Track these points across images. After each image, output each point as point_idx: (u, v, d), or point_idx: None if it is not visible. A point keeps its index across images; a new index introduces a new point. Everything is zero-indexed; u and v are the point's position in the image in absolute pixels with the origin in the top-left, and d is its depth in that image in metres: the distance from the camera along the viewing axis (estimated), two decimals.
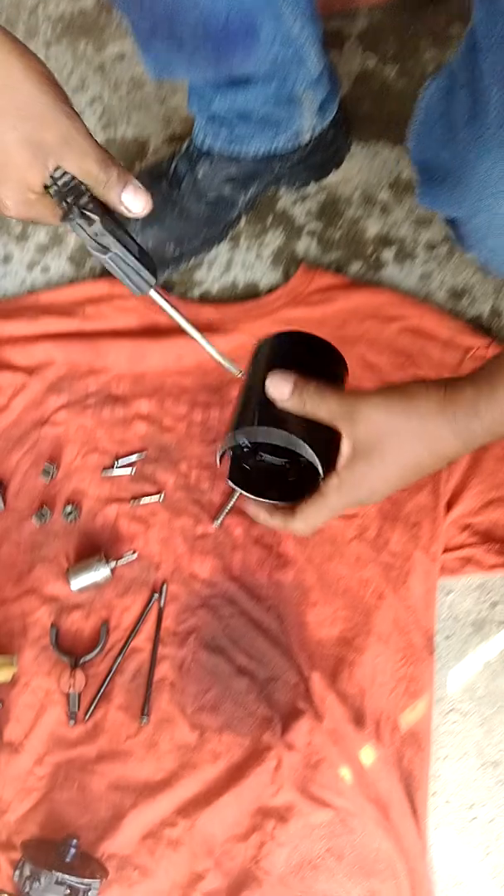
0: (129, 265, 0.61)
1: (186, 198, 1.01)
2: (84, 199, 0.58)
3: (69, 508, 0.93)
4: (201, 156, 1.00)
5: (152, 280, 0.62)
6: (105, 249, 0.59)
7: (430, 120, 0.73)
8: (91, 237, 0.59)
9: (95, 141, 0.57)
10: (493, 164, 0.65)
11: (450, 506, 0.92)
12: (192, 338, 0.66)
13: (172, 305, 0.64)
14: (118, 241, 0.59)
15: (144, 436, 0.97)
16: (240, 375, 0.65)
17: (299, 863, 0.81)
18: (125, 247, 0.60)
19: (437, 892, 0.84)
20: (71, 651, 0.88)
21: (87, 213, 0.58)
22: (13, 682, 0.87)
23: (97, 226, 0.58)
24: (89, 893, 0.76)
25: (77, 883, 0.75)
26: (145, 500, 0.94)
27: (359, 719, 0.85)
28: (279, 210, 1.10)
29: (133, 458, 0.96)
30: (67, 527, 0.93)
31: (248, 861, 0.81)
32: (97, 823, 0.83)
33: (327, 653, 0.87)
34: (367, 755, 0.83)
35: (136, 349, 0.99)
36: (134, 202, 0.59)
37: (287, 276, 1.06)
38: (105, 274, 1.07)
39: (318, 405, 0.59)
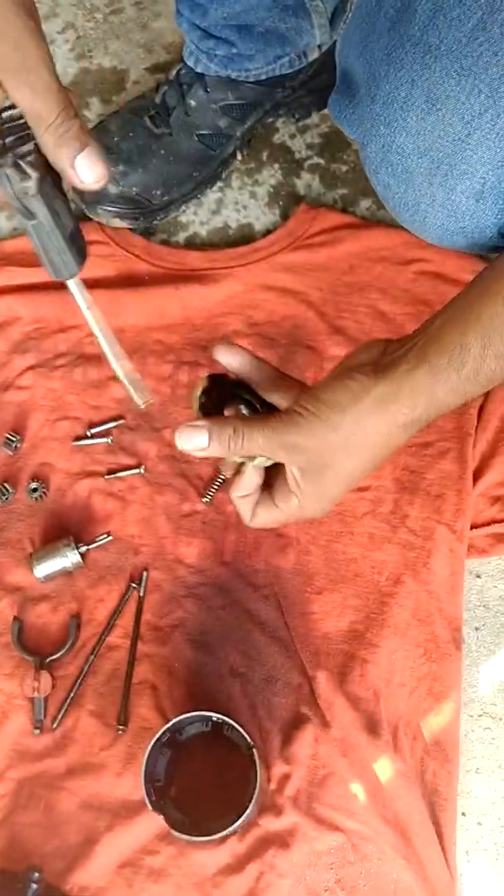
0: (52, 242, 0.49)
1: (176, 134, 0.90)
2: (27, 148, 0.47)
3: (34, 485, 0.82)
4: (194, 82, 0.89)
5: (75, 268, 0.51)
6: (30, 215, 0.48)
7: (356, 19, 0.63)
8: (17, 195, 0.47)
9: (60, 84, 0.46)
10: (399, 84, 0.55)
11: (478, 474, 0.80)
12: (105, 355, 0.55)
13: (89, 307, 0.54)
14: (50, 210, 0.48)
15: (122, 400, 0.86)
16: (143, 407, 0.56)
17: None
18: (55, 220, 0.48)
19: None
20: (36, 649, 0.77)
21: (23, 164, 0.46)
22: None
23: (31, 184, 0.47)
24: None
25: None
26: (123, 473, 0.83)
27: (373, 726, 0.73)
28: (276, 143, 0.97)
29: (109, 425, 0.85)
30: (32, 506, 0.82)
31: (245, 895, 0.69)
32: (66, 850, 0.72)
33: (335, 648, 0.76)
34: (384, 768, 0.72)
35: (112, 302, 0.88)
36: (88, 170, 0.47)
37: (286, 217, 0.94)
38: (84, 219, 0.95)
39: (245, 446, 0.54)
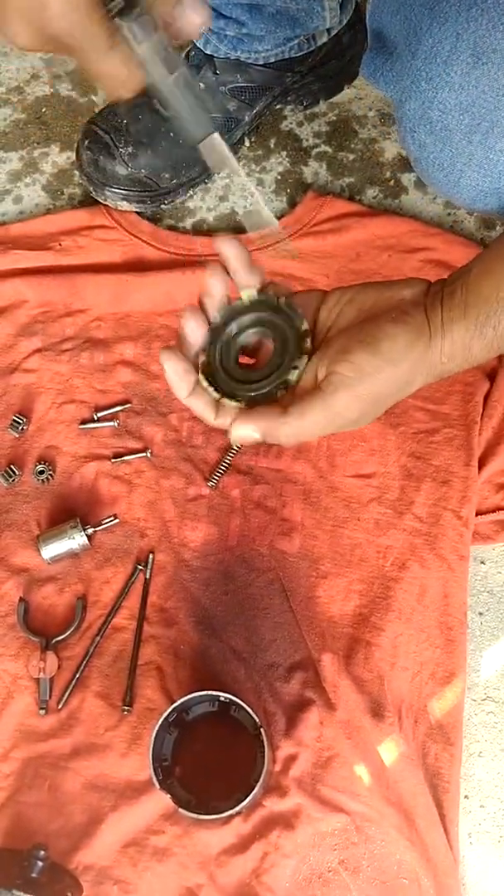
0: (195, 91, 0.49)
1: None
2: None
3: (41, 467, 0.81)
4: (203, 64, 0.90)
5: (211, 121, 0.52)
6: (172, 66, 0.48)
7: None
8: (157, 48, 0.47)
9: None
10: (443, 38, 0.54)
11: (483, 462, 0.81)
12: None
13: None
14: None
15: (129, 384, 0.85)
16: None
17: (308, 877, 0.70)
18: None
19: None
20: (42, 630, 0.77)
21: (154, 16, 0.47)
22: None
23: (162, 35, 0.47)
24: None
25: None
26: (129, 457, 0.83)
27: (377, 709, 0.73)
28: (284, 130, 0.97)
29: (116, 409, 0.85)
30: (39, 488, 0.82)
31: (249, 875, 0.70)
32: (71, 829, 0.72)
33: (340, 632, 0.76)
34: (388, 751, 0.72)
35: (119, 286, 0.88)
36: (192, 14, 0.47)
37: (293, 204, 0.94)
38: (85, 203, 0.95)
39: (303, 436, 0.51)
